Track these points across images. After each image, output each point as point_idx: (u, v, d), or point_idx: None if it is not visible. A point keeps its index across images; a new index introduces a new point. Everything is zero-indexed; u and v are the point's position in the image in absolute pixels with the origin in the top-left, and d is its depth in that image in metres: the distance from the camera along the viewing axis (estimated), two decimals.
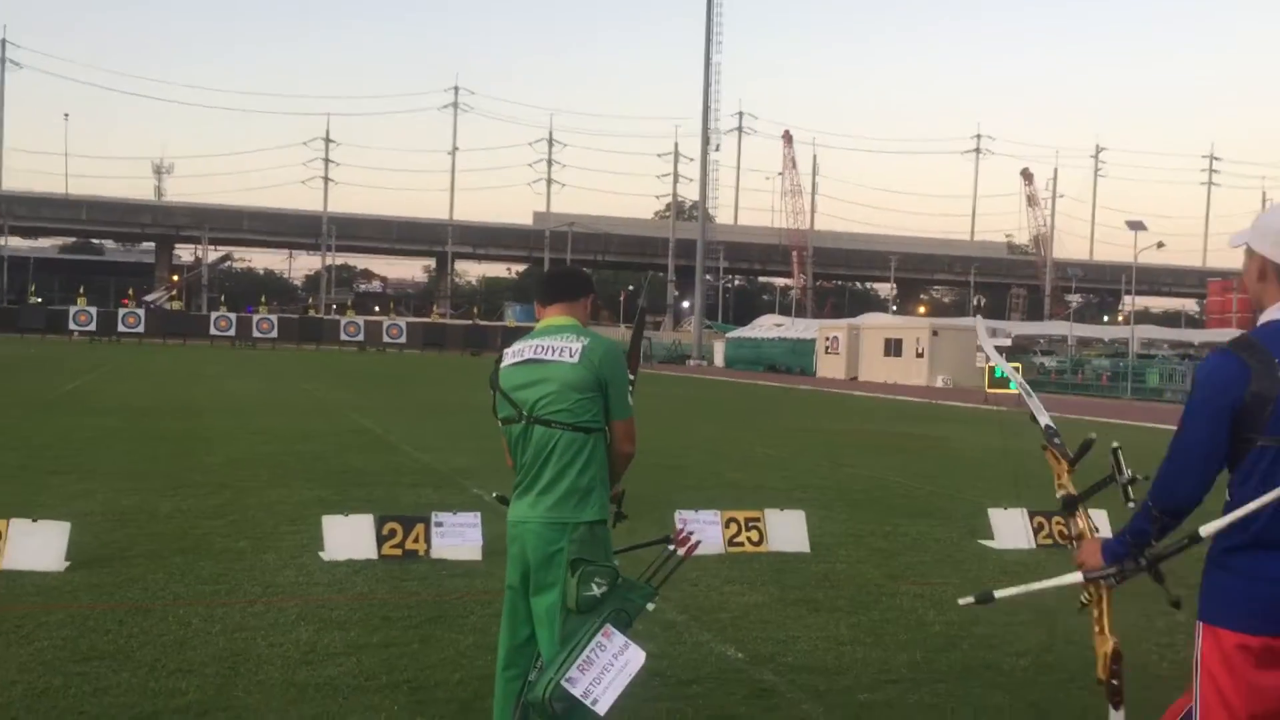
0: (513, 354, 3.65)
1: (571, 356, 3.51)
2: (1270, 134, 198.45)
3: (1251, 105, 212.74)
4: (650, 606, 3.52)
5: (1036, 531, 8.75)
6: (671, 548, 3.77)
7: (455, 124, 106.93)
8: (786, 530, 8.22)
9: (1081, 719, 4.78)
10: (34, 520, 6.93)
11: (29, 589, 6.21)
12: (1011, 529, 8.77)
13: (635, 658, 3.33)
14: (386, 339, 66.20)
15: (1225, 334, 42.80)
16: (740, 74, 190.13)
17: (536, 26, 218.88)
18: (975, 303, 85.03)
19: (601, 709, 3.29)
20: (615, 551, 3.60)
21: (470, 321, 74.24)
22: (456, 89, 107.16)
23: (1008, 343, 38.63)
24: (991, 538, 8.74)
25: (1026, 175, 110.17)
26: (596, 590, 3.36)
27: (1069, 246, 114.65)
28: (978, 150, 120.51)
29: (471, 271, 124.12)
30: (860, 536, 8.93)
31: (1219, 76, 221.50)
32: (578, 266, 4.14)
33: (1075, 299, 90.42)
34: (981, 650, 5.75)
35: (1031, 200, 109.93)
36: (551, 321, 3.66)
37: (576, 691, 3.26)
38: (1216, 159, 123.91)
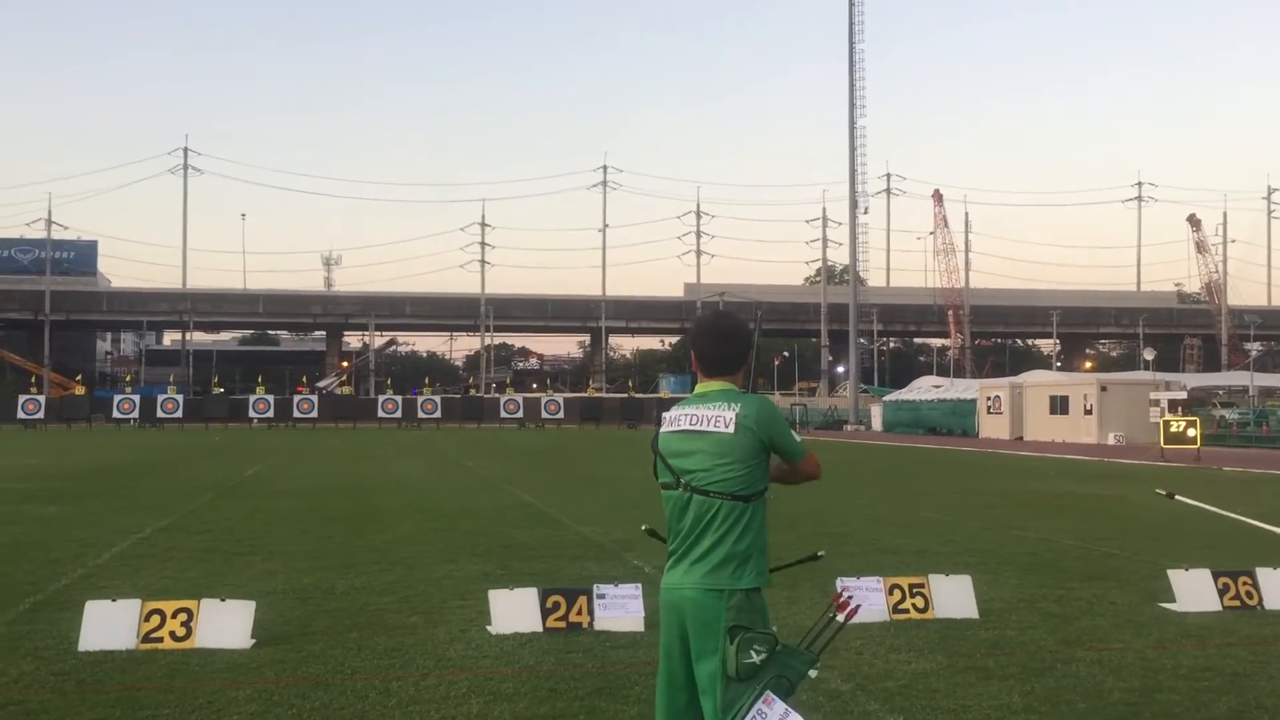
0: (670, 420, 3.71)
1: (727, 426, 3.54)
2: None
3: None
4: (813, 673, 3.51)
5: (1222, 593, 8.31)
6: (832, 615, 3.74)
7: (605, 201, 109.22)
8: (953, 596, 8.02)
9: None
10: (222, 600, 7.32)
11: (219, 666, 6.54)
12: (1195, 591, 8.35)
13: None
14: (545, 415, 67.35)
15: None
16: (886, 135, 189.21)
17: (680, 102, 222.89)
18: (1145, 356, 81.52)
19: None
20: (773, 569, 3.61)
21: (626, 395, 75.01)
22: (605, 168, 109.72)
23: (1183, 395, 36.84)
24: (1173, 600, 8.35)
25: (1194, 221, 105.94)
26: (755, 657, 3.37)
27: (1244, 293, 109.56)
28: (1139, 198, 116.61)
29: (625, 345, 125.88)
30: (1032, 601, 8.65)
31: None
32: (735, 323, 3.83)
33: (1255, 347, 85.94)
34: (1166, 719, 5.49)
35: (1200, 247, 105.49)
36: (707, 387, 3.69)
37: None
38: None
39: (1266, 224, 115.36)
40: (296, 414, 64.51)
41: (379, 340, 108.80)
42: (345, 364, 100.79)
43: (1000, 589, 9.05)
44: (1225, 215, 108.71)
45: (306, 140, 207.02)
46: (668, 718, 3.69)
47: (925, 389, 66.65)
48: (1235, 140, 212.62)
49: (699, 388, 3.73)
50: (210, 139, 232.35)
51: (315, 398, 68.69)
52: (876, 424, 65.80)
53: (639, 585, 7.74)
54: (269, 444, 40.79)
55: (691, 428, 3.61)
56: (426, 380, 79.43)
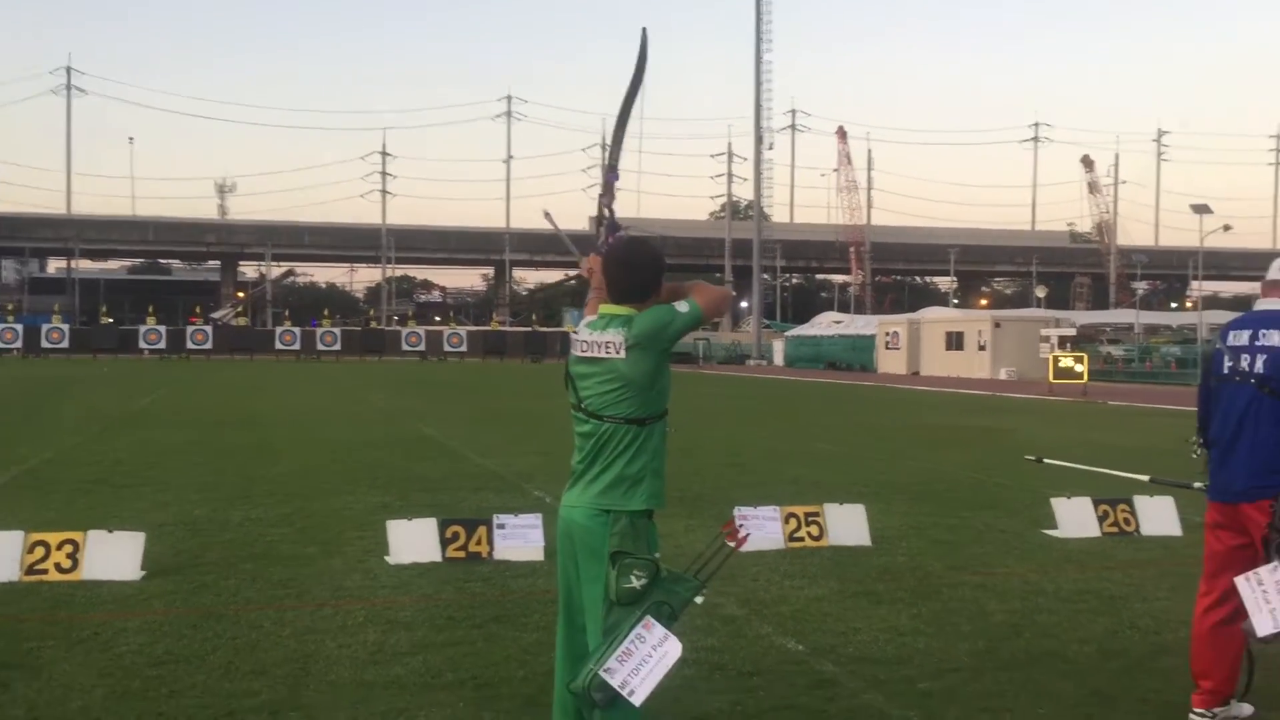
0: (573, 343, 3.69)
1: (618, 352, 3.52)
2: None
3: None
4: (699, 599, 3.56)
5: (1102, 520, 8.65)
6: (722, 543, 3.77)
7: (509, 132, 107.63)
8: (847, 524, 8.21)
9: (1144, 702, 4.75)
10: (110, 531, 7.14)
11: (106, 598, 6.40)
12: (1076, 518, 8.68)
13: (673, 650, 3.37)
14: (447, 348, 66.80)
15: None
16: (792, 71, 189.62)
17: (586, 32, 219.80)
18: (1037, 293, 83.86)
19: (638, 700, 3.34)
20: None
21: (530, 328, 74.68)
22: (509, 98, 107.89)
23: (1072, 332, 38.00)
24: (1056, 527, 8.66)
25: (1087, 162, 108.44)
26: (636, 583, 3.41)
27: (1133, 233, 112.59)
28: (1036, 139, 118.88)
29: (529, 278, 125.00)
30: (922, 529, 8.90)
31: None
32: (648, 252, 3.74)
33: (1141, 286, 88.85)
34: (1045, 638, 5.72)
35: (1093, 187, 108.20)
36: (608, 311, 3.64)
37: (614, 682, 3.32)
38: None
39: (1156, 166, 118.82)
40: (190, 345, 62.89)
41: (276, 270, 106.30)
42: (241, 294, 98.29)
43: (892, 517, 9.29)
44: (1117, 157, 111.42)
45: (198, 62, 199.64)
46: (567, 640, 3.74)
47: (826, 325, 67.69)
48: (1128, 83, 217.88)
49: (603, 309, 3.68)
50: (95, 59, 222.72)
51: (210, 329, 66.98)
52: (778, 359, 66.70)
53: (539, 515, 7.75)
54: (161, 375, 39.76)
55: (584, 354, 3.61)
56: (326, 312, 78.02)
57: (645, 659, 3.33)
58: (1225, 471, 4.39)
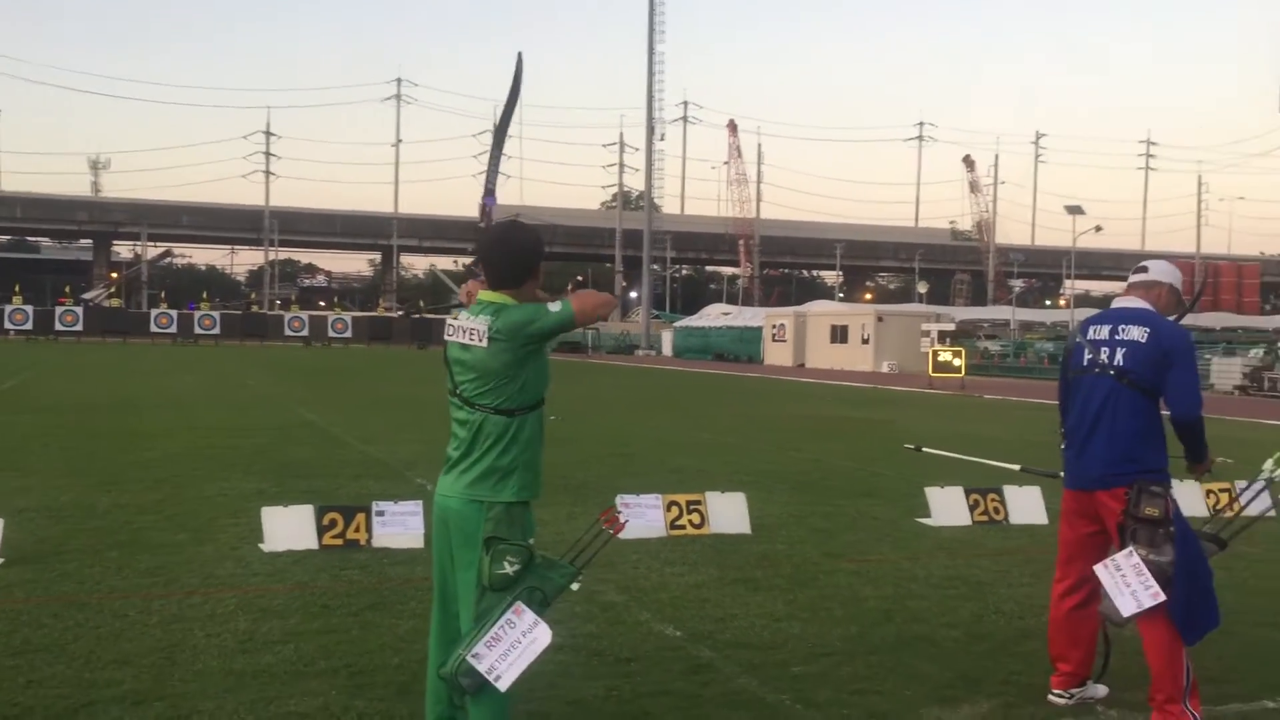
0: (448, 327, 3.65)
1: (480, 340, 3.49)
2: (1205, 119, 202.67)
3: (1188, 90, 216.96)
4: (575, 586, 3.56)
5: (973, 509, 8.91)
6: (599, 529, 3.78)
7: (398, 116, 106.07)
8: (727, 512, 8.30)
9: (1007, 684, 4.91)
10: None
11: None
12: (949, 507, 8.92)
13: (542, 636, 3.37)
14: (332, 334, 65.63)
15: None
16: (684, 64, 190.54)
17: (479, 16, 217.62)
18: (919, 289, 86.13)
19: (503, 685, 3.33)
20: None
21: (416, 315, 73.70)
22: (399, 80, 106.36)
23: (951, 327, 39.14)
24: (929, 515, 8.89)
25: (968, 162, 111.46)
26: (509, 568, 3.39)
27: (1011, 232, 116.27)
28: (920, 138, 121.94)
29: (417, 265, 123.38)
30: (801, 517, 9.04)
31: (1156, 62, 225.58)
32: (525, 235, 3.71)
33: (1018, 284, 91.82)
34: (914, 623, 5.87)
35: (974, 187, 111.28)
36: (484, 297, 3.61)
37: (481, 667, 3.30)
38: (1154, 144, 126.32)
39: (1034, 168, 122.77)
40: (59, 326, 60.64)
41: (153, 251, 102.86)
42: (114, 275, 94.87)
43: (773, 506, 9.42)
44: (997, 158, 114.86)
45: (71, 33, 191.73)
46: (441, 627, 3.71)
47: (715, 316, 68.33)
48: (1010, 87, 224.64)
49: (481, 294, 3.64)
50: None
51: (80, 310, 64.59)
52: (667, 349, 67.07)
53: (420, 502, 7.66)
54: (27, 357, 38.20)
55: (455, 338, 3.58)
56: (205, 295, 75.72)
57: (514, 645, 3.32)
58: (1083, 460, 4.57)
